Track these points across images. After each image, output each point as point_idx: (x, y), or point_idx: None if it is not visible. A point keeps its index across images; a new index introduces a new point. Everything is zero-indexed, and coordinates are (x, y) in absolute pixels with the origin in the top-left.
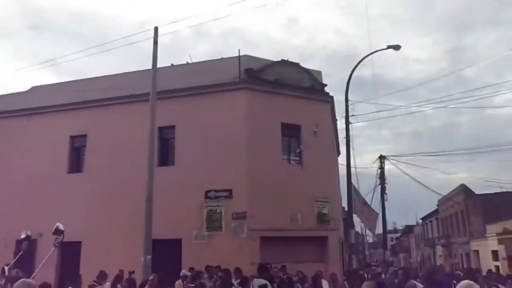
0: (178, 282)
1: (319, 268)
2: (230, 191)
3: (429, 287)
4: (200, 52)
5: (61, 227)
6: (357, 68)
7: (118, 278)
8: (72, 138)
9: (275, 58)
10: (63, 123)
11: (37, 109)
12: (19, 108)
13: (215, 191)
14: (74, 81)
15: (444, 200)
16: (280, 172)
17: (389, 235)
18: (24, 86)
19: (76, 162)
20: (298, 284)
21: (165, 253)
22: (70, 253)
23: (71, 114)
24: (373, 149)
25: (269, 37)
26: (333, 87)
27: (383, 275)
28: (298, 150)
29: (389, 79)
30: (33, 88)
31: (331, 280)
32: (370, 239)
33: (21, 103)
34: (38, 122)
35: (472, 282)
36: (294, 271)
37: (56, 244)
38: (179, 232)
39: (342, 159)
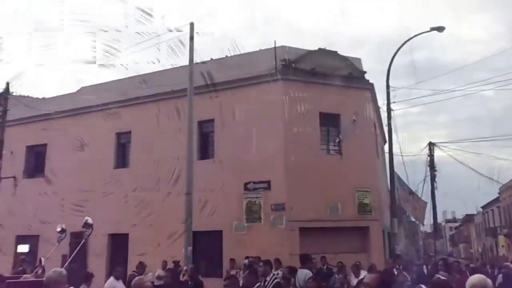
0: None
1: (361, 259)
2: (268, 182)
3: None
4: (251, 44)
5: (90, 220)
6: (411, 52)
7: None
8: (118, 135)
9: (325, 46)
10: (109, 121)
11: (85, 109)
12: (69, 108)
13: (254, 182)
14: (118, 80)
15: (506, 188)
16: (319, 162)
17: (448, 225)
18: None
19: (122, 158)
20: (337, 275)
21: (207, 244)
22: (119, 244)
23: (116, 111)
24: (431, 134)
25: (318, 25)
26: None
27: (424, 267)
28: (337, 140)
29: (444, 62)
30: (82, 88)
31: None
32: (428, 229)
33: (71, 103)
34: (87, 120)
35: (483, 277)
36: (335, 262)
37: (86, 237)
38: (219, 224)
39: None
